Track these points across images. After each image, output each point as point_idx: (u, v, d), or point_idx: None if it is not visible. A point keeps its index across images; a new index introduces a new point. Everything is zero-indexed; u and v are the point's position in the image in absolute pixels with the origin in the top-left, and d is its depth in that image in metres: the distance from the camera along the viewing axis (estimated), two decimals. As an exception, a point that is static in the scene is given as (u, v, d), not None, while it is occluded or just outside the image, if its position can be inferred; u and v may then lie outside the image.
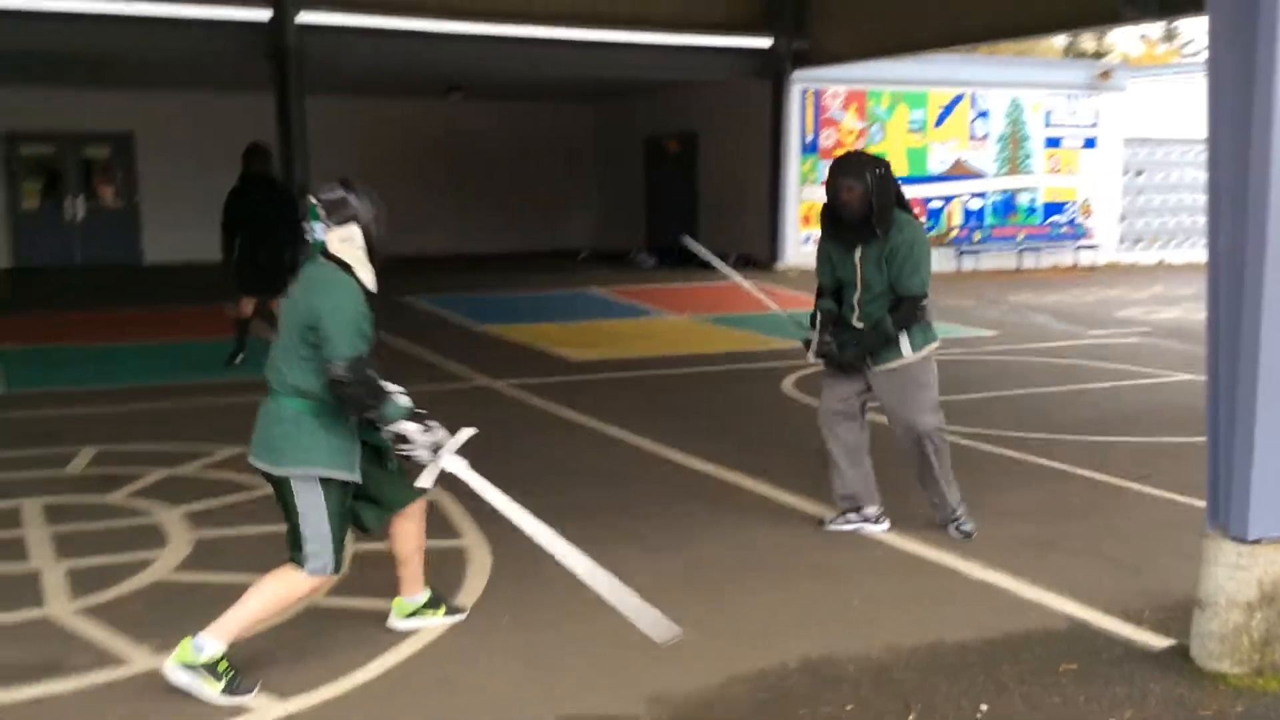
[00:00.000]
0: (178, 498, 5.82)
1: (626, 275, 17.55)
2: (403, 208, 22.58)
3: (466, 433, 3.96)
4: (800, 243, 18.74)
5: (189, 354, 10.46)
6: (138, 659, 3.95)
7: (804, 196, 18.65)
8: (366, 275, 3.81)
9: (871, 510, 5.39)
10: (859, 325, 5.18)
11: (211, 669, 3.68)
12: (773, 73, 17.90)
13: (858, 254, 5.12)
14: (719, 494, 6.04)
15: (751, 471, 6.38)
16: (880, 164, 5.12)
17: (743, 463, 6.56)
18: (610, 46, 16.85)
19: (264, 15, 14.51)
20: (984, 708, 3.60)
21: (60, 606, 4.41)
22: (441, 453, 3.83)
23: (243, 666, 3.80)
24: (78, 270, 18.56)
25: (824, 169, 18.42)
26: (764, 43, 17.74)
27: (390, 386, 3.89)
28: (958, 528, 5.32)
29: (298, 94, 14.86)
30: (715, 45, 17.60)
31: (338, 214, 3.80)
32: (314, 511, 3.78)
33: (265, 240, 9.49)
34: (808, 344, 5.31)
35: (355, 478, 3.84)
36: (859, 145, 19.09)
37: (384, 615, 4.33)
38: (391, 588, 4.63)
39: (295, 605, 4.15)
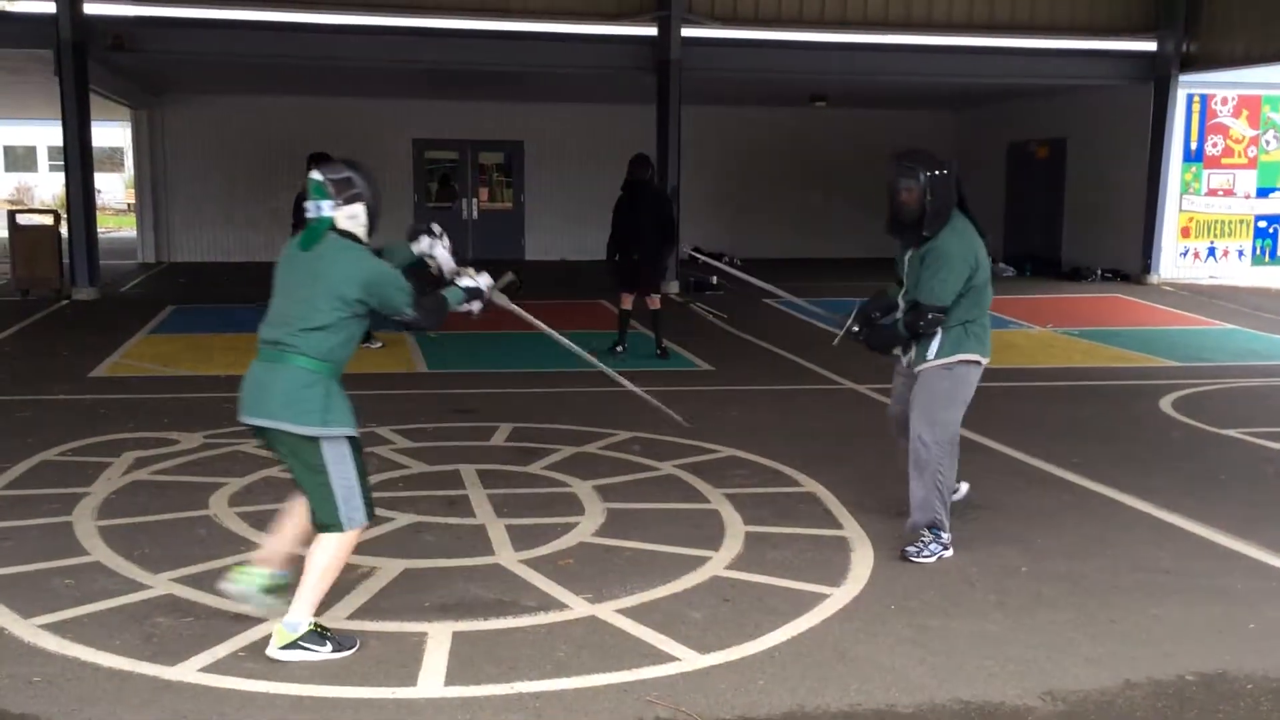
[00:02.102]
0: (586, 472, 6.54)
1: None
2: (760, 211, 23.23)
3: (507, 277, 4.69)
4: (1178, 255, 17.75)
5: (577, 342, 11.38)
6: (577, 606, 4.57)
7: (1184, 207, 17.65)
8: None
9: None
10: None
11: (313, 636, 4.06)
12: (1156, 77, 17.05)
13: (909, 253, 5.16)
14: (1103, 510, 6.05)
15: (1136, 491, 6.32)
16: (942, 165, 5.04)
17: (1124, 481, 6.50)
18: (984, 52, 16.66)
19: (651, 31, 15.51)
20: (1399, 740, 3.55)
21: (507, 556, 5.14)
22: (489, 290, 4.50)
23: (666, 621, 4.34)
24: (471, 264, 20.45)
25: (1209, 179, 17.51)
26: (1148, 46, 16.93)
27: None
28: (906, 546, 5.12)
29: (676, 104, 15.75)
30: (1095, 49, 16.97)
31: (345, 193, 4.08)
32: (341, 465, 4.02)
33: (640, 241, 10.37)
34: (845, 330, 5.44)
35: (357, 434, 4.12)
36: (1250, 153, 17.83)
37: (783, 592, 4.75)
38: (781, 566, 5.06)
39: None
